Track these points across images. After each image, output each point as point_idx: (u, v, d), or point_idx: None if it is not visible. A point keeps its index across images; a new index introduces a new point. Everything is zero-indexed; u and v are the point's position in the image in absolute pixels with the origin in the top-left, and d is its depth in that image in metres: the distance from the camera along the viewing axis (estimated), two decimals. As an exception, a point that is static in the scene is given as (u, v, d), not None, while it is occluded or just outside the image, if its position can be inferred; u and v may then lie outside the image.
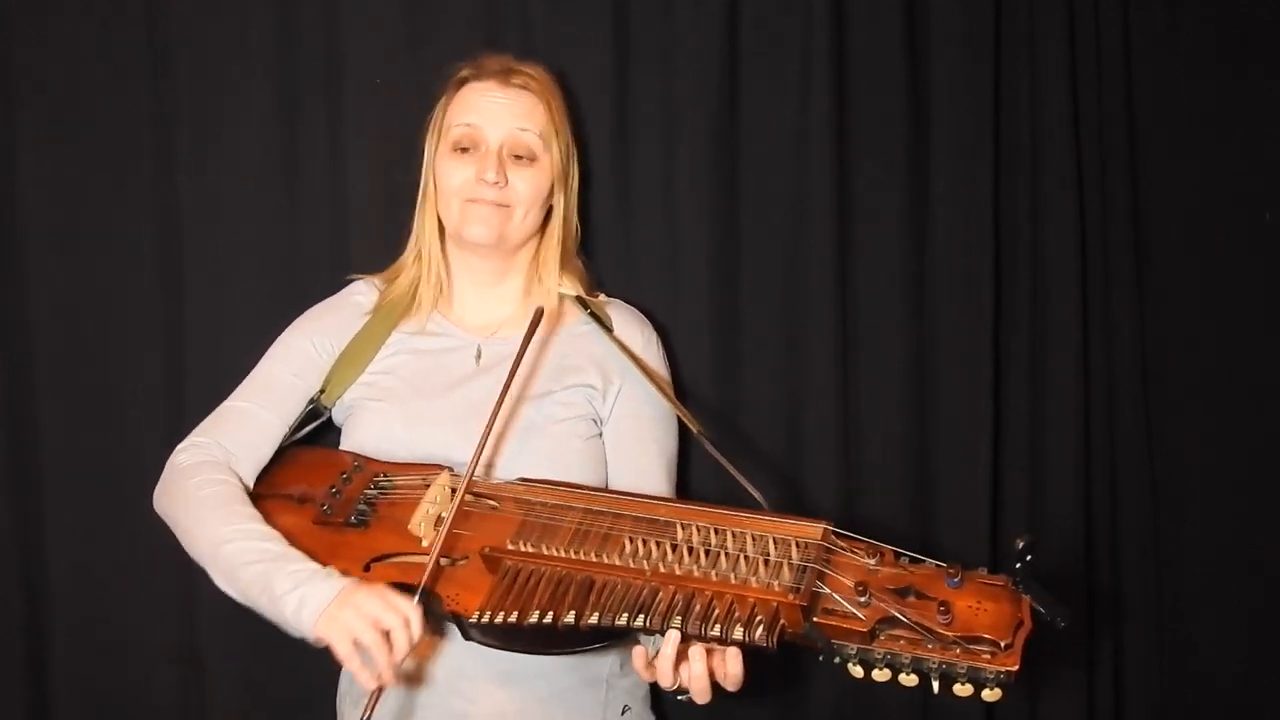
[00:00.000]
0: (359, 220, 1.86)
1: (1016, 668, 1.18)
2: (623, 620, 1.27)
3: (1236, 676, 2.17)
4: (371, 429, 1.58)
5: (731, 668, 1.30)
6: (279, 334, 1.67)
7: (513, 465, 1.53)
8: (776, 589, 1.25)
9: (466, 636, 1.39)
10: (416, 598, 1.35)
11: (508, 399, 1.54)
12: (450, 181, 1.58)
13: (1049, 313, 2.08)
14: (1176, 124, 2.14)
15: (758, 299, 1.97)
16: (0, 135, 1.79)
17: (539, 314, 1.49)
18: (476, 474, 1.48)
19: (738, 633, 1.24)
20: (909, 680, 1.21)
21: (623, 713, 1.59)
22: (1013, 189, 2.07)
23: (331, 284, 1.74)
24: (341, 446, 1.62)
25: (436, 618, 1.42)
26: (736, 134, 1.96)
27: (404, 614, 1.33)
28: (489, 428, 1.43)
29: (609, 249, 1.91)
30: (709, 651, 1.29)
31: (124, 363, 1.84)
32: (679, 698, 1.41)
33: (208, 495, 1.48)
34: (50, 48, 1.80)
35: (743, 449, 1.94)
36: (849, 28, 1.98)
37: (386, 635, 1.33)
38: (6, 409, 1.81)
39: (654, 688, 1.67)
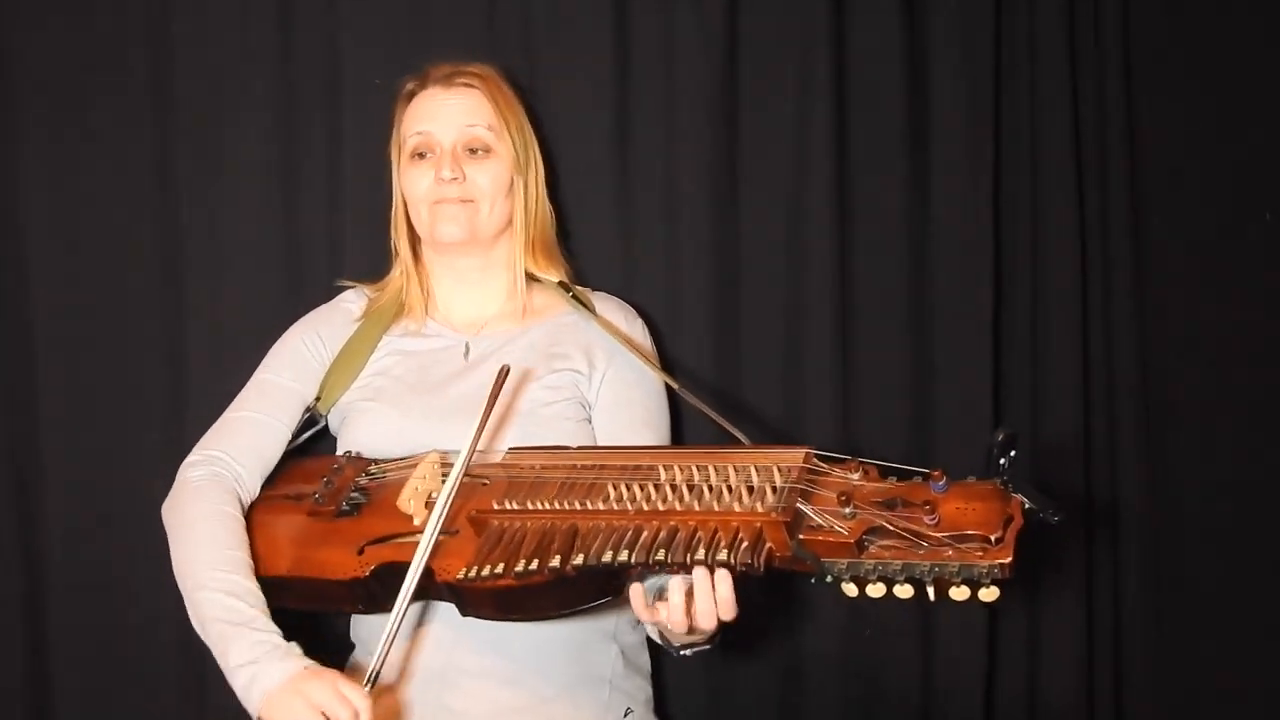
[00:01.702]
0: (358, 221, 1.86)
1: (1010, 559, 1.15)
2: (608, 557, 1.26)
3: (1234, 669, 2.17)
4: (364, 429, 1.60)
5: (720, 590, 1.26)
6: (279, 334, 1.69)
7: (501, 448, 1.53)
8: (759, 511, 1.24)
9: (464, 611, 1.39)
10: (367, 683, 1.34)
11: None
12: (415, 189, 1.63)
13: (1049, 313, 2.08)
14: (1176, 124, 2.14)
15: (758, 298, 1.97)
16: (0, 135, 1.79)
17: (504, 372, 1.49)
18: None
19: (723, 556, 1.23)
20: (904, 592, 1.19)
21: (625, 715, 1.58)
22: (1013, 190, 2.07)
23: (331, 284, 1.75)
24: (338, 452, 1.63)
25: (434, 597, 1.43)
26: (736, 134, 1.96)
27: (354, 707, 1.32)
28: (477, 434, 1.43)
29: (609, 249, 1.91)
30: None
31: (124, 363, 1.83)
32: (683, 653, 1.41)
33: (203, 529, 1.49)
34: (50, 48, 1.80)
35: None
36: (849, 28, 1.98)
37: None
38: (6, 409, 1.81)
39: (657, 692, 1.68)
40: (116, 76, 1.81)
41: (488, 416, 1.46)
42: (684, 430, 1.78)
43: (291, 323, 1.70)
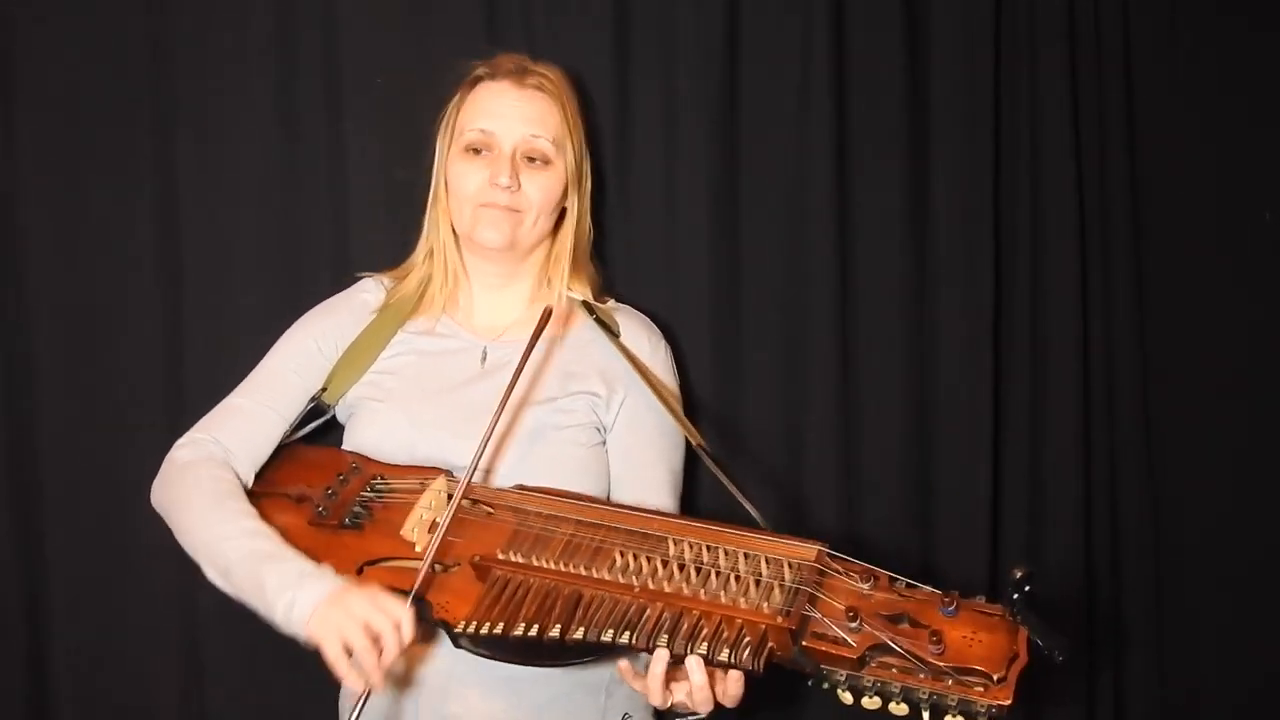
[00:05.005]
0: (359, 219, 1.86)
1: (1009, 702, 1.15)
2: (608, 637, 1.26)
3: (1234, 671, 2.17)
4: (373, 429, 1.57)
5: (732, 689, 1.28)
6: (279, 334, 1.66)
7: (513, 471, 1.52)
8: (766, 611, 1.24)
9: (456, 644, 1.38)
10: (409, 600, 1.34)
11: (510, 404, 1.54)
12: (463, 186, 1.57)
13: (1049, 313, 2.09)
14: (1176, 124, 2.14)
15: (758, 300, 1.97)
16: (0, 135, 1.79)
17: (547, 313, 1.48)
18: (475, 479, 1.48)
19: (724, 654, 1.23)
20: (899, 709, 1.19)
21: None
22: (1013, 189, 2.07)
23: (332, 284, 1.74)
24: (344, 446, 1.61)
25: (426, 623, 1.41)
26: (736, 134, 1.96)
27: (395, 617, 1.32)
28: (488, 434, 1.41)
29: (609, 249, 1.90)
30: (710, 673, 1.27)
31: (124, 363, 1.83)
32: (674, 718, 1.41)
33: (203, 491, 1.48)
34: (50, 48, 1.79)
35: (742, 449, 1.93)
36: (849, 28, 1.98)
37: (376, 639, 1.32)
38: (6, 409, 1.81)
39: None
40: (117, 77, 1.81)
41: (525, 361, 1.45)
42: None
43: (291, 323, 1.67)
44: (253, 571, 1.39)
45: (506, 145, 1.55)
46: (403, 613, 1.33)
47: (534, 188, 1.56)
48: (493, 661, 1.44)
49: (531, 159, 1.57)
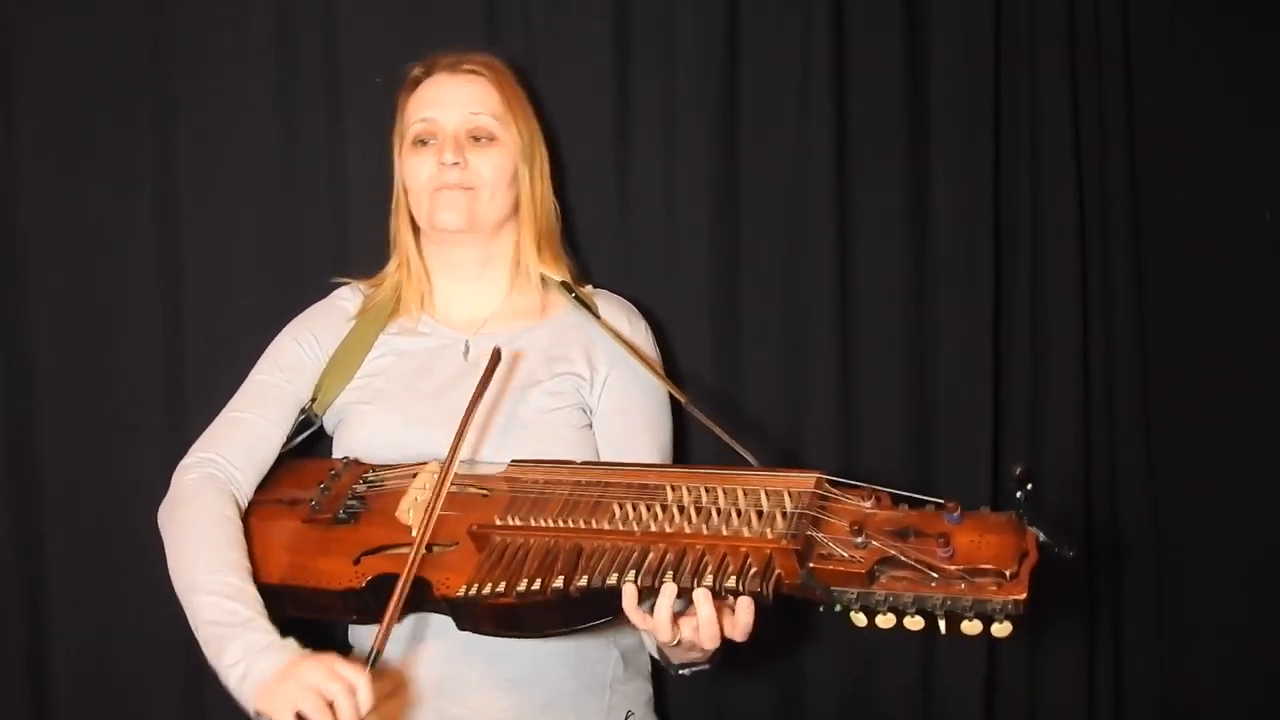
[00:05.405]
0: (359, 219, 1.86)
1: (1024, 597, 1.13)
2: (613, 580, 1.25)
3: (1234, 671, 2.17)
4: (363, 430, 1.58)
5: (742, 619, 1.26)
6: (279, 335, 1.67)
7: (503, 457, 1.51)
8: (769, 537, 1.23)
9: (461, 626, 1.37)
10: (368, 663, 1.30)
11: (505, 390, 1.56)
12: (416, 177, 1.60)
13: (1049, 313, 2.09)
14: (1176, 124, 2.14)
15: (758, 298, 1.97)
16: (0, 135, 1.79)
17: (496, 354, 1.48)
18: (466, 469, 1.48)
19: (731, 583, 1.21)
20: (914, 623, 1.17)
21: (626, 718, 1.57)
22: (1013, 189, 2.07)
23: (332, 284, 1.75)
24: (334, 454, 1.62)
25: (429, 608, 1.41)
26: (736, 134, 1.96)
27: (349, 682, 1.27)
28: (463, 427, 1.42)
29: (609, 248, 1.91)
30: (718, 608, 1.26)
31: (124, 363, 1.83)
32: (680, 672, 1.40)
33: (200, 532, 1.47)
34: (50, 48, 1.79)
35: (742, 448, 1.93)
36: (849, 28, 1.98)
37: (330, 705, 1.27)
38: (6, 409, 1.81)
39: (657, 692, 1.67)
40: (117, 77, 1.81)
41: (478, 402, 1.44)
42: (689, 436, 1.77)
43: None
44: (217, 636, 1.37)
45: (449, 127, 1.59)
46: (359, 678, 1.28)
47: (483, 163, 1.59)
48: (496, 662, 1.45)
49: (476, 138, 1.59)
